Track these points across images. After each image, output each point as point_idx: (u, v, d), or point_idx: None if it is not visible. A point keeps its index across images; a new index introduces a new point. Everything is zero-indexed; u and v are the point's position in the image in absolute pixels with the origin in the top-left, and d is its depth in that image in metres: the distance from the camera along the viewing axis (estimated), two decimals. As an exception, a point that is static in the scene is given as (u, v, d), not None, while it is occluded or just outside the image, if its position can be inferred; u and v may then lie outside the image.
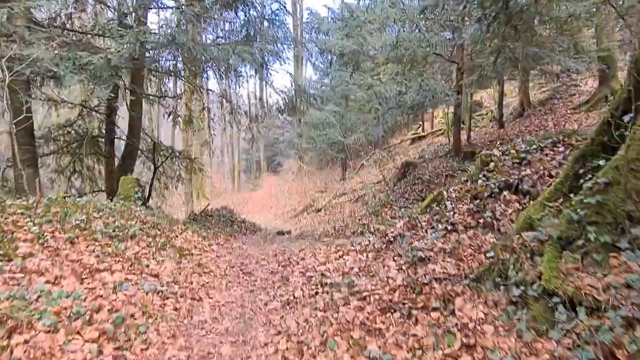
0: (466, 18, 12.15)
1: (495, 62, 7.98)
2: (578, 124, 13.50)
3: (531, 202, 3.97)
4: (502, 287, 3.38)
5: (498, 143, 13.78)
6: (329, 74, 23.23)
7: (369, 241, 6.07)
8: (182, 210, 21.18)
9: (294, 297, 4.65)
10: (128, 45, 8.85)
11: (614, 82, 14.82)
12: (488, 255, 3.74)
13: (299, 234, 12.47)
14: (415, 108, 10.81)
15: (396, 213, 10.64)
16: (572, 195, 3.42)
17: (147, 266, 5.30)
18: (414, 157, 19.40)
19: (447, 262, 4.16)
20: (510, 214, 4.11)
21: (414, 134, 25.85)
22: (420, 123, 25.69)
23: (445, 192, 5.57)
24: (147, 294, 4.48)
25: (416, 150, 20.34)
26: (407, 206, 10.66)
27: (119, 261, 5.17)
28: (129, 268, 5.07)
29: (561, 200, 3.47)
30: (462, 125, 20.75)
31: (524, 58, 9.65)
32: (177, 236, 7.24)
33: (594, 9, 12.45)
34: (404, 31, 10.83)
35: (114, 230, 5.99)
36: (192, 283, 5.10)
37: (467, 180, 5.81)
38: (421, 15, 10.78)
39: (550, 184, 3.95)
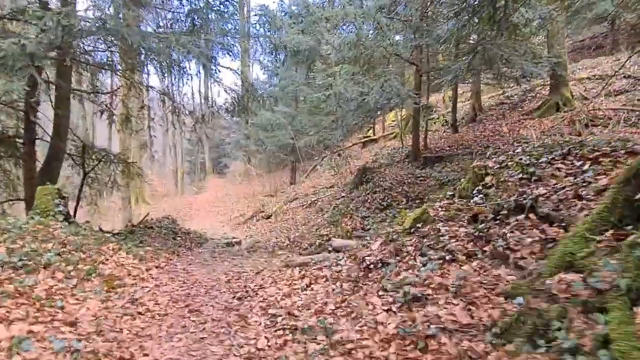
0: (426, 17, 11.57)
1: (471, 62, 7.31)
2: (534, 130, 13.30)
3: (561, 230, 3.18)
4: (542, 349, 2.53)
5: (461, 148, 13.35)
6: (278, 74, 22.10)
7: (341, 266, 5.12)
8: (119, 217, 19.33)
9: (257, 348, 3.60)
10: (48, 30, 7.42)
11: (564, 90, 14.81)
12: (514, 302, 2.89)
13: (251, 246, 11.34)
14: (376, 110, 10.03)
15: (357, 223, 9.80)
16: (627, 226, 2.63)
17: (62, 308, 4.06)
18: (368, 161, 18.76)
19: (453, 304, 3.28)
20: (531, 243, 3.30)
21: (365, 136, 25.27)
22: (371, 125, 25.12)
23: (431, 210, 4.73)
24: (56, 356, 3.28)
25: (369, 154, 19.71)
26: (369, 216, 9.83)
27: (22, 304, 3.90)
28: (36, 314, 3.82)
29: (611, 232, 2.67)
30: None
31: (497, 59, 9.14)
32: (107, 259, 5.95)
33: (548, 15, 12.30)
34: (363, 30, 10.00)
35: (20, 259, 4.67)
36: (121, 331, 3.92)
37: (453, 196, 5.00)
38: (381, 13, 10.02)
39: (583, 209, 3.17)
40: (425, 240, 4.26)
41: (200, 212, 24.46)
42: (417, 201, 9.89)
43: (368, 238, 6.03)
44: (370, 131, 25.34)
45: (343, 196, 13.42)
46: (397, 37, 12.24)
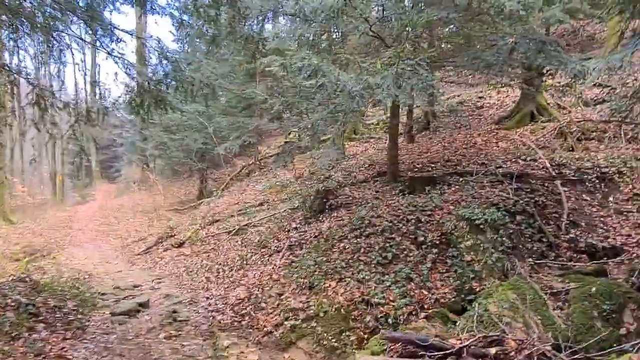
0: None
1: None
2: (519, 142, 10.61)
3: None
4: None
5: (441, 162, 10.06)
6: (190, 62, 17.20)
7: None
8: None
9: None
10: None
11: (539, 96, 12.48)
12: None
13: (169, 317, 6.94)
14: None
15: (354, 291, 5.97)
16: None
17: None
18: (302, 173, 15.06)
19: None
20: None
21: (287, 142, 21.31)
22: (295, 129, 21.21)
23: None
24: None
25: (304, 165, 15.90)
26: (370, 278, 6.04)
27: None
28: None
29: None
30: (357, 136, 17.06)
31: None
32: None
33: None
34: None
35: None
36: None
37: None
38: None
39: None
40: None
41: (84, 232, 18.53)
42: (435, 250, 6.36)
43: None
44: (292, 135, 21.50)
45: (296, 227, 9.47)
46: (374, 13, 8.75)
